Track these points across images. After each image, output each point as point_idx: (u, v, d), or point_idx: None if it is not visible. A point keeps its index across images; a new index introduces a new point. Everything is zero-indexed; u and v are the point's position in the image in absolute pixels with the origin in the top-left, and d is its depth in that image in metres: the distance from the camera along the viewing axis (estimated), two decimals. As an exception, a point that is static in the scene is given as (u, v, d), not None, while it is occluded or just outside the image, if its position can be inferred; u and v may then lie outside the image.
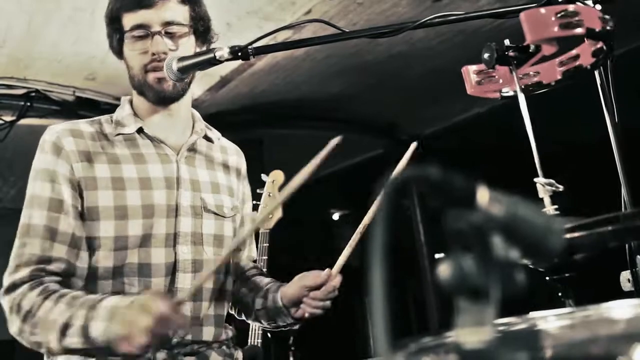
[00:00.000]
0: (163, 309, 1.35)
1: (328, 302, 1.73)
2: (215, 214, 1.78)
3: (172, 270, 1.66)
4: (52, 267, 1.58)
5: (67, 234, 1.60)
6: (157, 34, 1.66)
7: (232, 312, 1.97)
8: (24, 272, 1.56)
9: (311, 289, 1.71)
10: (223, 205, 1.81)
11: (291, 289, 1.74)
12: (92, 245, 1.62)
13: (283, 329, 1.87)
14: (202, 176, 1.80)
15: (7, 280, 1.58)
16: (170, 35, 1.69)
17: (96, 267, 1.61)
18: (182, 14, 1.72)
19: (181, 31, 1.71)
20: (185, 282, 1.67)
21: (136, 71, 1.71)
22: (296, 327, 1.84)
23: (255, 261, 2.06)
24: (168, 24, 1.68)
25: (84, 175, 1.64)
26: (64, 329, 1.47)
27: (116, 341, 1.40)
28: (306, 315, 1.73)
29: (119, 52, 1.76)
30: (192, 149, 1.81)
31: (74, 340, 1.46)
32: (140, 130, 1.74)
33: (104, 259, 1.61)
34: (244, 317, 1.95)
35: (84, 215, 1.63)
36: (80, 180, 1.63)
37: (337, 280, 1.72)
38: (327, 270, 1.72)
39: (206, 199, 1.76)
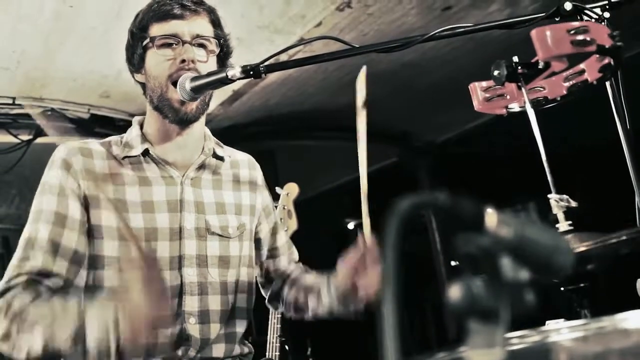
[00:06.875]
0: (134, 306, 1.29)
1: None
2: (220, 235, 1.76)
3: (179, 292, 1.65)
4: (50, 282, 1.56)
5: (70, 250, 1.59)
6: (187, 43, 1.67)
7: (290, 314, 1.93)
8: (22, 279, 1.53)
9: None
10: (228, 225, 1.79)
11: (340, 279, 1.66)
12: (97, 263, 1.62)
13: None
14: (207, 197, 1.78)
15: (1, 286, 1.54)
16: (201, 47, 1.71)
17: (101, 287, 1.60)
18: (210, 32, 1.73)
19: (210, 46, 1.72)
20: (192, 304, 1.66)
21: (160, 81, 1.68)
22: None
23: (297, 262, 2.06)
24: (198, 36, 1.69)
25: (89, 194, 1.64)
26: (51, 328, 1.38)
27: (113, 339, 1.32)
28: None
29: (138, 63, 1.73)
30: (200, 169, 1.80)
31: (61, 342, 1.37)
32: (146, 153, 1.73)
33: (109, 279, 1.60)
34: (304, 316, 1.87)
35: (91, 231, 1.63)
36: (87, 197, 1.64)
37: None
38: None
39: (210, 220, 1.75)
